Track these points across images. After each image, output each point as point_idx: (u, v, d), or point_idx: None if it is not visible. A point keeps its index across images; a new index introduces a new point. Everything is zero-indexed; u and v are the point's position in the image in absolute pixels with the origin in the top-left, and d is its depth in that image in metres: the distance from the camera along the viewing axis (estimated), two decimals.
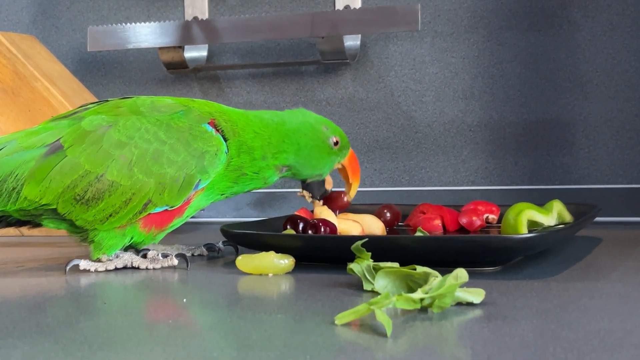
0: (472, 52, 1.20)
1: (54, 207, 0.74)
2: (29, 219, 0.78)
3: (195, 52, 1.29)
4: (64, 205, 0.74)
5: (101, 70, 1.36)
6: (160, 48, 1.26)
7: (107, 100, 0.81)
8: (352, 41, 1.22)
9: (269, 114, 0.84)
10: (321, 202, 0.88)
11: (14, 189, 0.74)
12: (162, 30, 1.24)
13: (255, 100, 1.29)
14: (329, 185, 0.88)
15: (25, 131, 0.78)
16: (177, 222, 0.79)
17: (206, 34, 1.23)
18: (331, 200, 0.89)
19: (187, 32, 1.23)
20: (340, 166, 0.86)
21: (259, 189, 0.83)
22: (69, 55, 1.36)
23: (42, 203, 0.74)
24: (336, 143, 0.84)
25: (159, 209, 0.76)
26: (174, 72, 1.29)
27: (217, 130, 0.78)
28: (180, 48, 1.25)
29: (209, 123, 0.78)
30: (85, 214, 0.74)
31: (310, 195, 0.87)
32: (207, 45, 1.29)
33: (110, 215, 0.74)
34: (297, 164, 0.83)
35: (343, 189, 0.90)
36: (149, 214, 0.76)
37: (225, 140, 0.79)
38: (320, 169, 0.85)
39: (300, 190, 0.88)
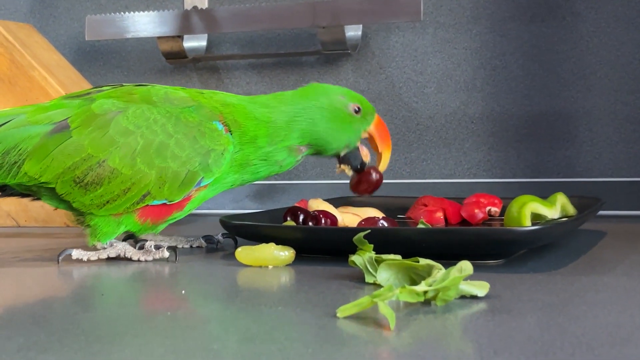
0: (475, 44, 1.19)
1: (52, 186, 0.74)
2: (29, 193, 0.77)
3: (195, 42, 1.28)
4: (62, 185, 0.74)
5: (99, 59, 1.34)
6: (159, 37, 1.24)
7: (122, 85, 0.80)
8: (353, 31, 1.21)
9: (275, 96, 0.81)
10: (355, 177, 0.84)
11: (15, 162, 0.73)
12: (161, 19, 1.23)
13: (255, 91, 1.28)
14: (366, 157, 0.84)
15: (37, 105, 0.77)
16: (176, 216, 0.78)
17: (205, 23, 1.22)
18: (361, 179, 0.84)
19: (187, 22, 1.22)
20: (367, 135, 0.83)
21: (278, 173, 0.81)
22: (67, 45, 1.35)
23: (41, 181, 0.74)
24: (357, 110, 0.81)
25: (157, 202, 0.75)
26: (173, 62, 1.28)
27: (226, 127, 0.77)
28: (180, 38, 1.24)
29: (218, 120, 0.77)
30: (83, 197, 0.74)
31: (350, 167, 0.84)
32: (206, 35, 1.28)
33: (108, 202, 0.74)
34: (318, 140, 0.80)
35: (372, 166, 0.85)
36: (147, 205, 0.75)
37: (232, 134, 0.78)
38: (346, 140, 0.81)
39: (338, 166, 0.84)
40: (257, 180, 0.82)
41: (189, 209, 0.79)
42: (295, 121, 0.79)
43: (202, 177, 0.76)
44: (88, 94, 0.78)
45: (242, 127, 0.78)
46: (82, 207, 0.75)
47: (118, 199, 0.74)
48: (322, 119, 0.80)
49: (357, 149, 0.83)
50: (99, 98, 0.77)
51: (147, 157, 0.74)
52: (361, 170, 0.84)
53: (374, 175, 0.85)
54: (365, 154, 0.84)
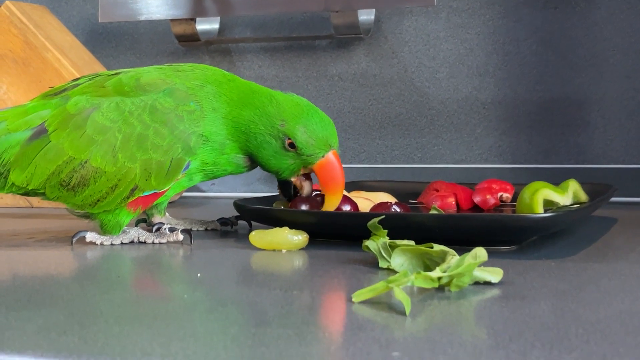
0: (488, 29, 1.19)
1: (42, 192, 0.74)
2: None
3: (207, 25, 1.28)
4: (51, 190, 0.73)
5: (112, 41, 1.35)
6: (171, 20, 1.24)
7: (98, 75, 0.78)
8: (366, 15, 1.21)
9: (246, 90, 0.76)
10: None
11: (1, 174, 0.73)
12: (173, 1, 1.23)
13: (267, 75, 1.28)
14: (304, 191, 0.77)
15: (17, 110, 0.76)
16: (162, 200, 0.78)
17: (218, 6, 1.22)
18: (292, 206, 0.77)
19: (199, 4, 1.22)
20: (309, 171, 0.77)
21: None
22: (80, 26, 1.35)
23: (30, 188, 0.73)
24: (291, 145, 0.74)
25: (147, 193, 0.74)
26: (185, 44, 1.28)
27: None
28: (192, 20, 1.24)
29: (195, 100, 0.75)
30: (74, 198, 0.74)
31: (281, 192, 0.80)
32: (219, 17, 1.28)
33: (99, 200, 0.73)
34: (254, 156, 0.76)
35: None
36: (137, 197, 0.74)
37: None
38: (275, 167, 0.76)
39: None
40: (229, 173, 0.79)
41: (169, 194, 0.77)
42: (238, 131, 0.75)
43: (189, 161, 0.74)
44: (65, 90, 0.77)
45: (205, 116, 0.75)
46: (76, 208, 0.75)
47: (108, 197, 0.73)
48: (255, 139, 0.75)
49: (290, 182, 0.77)
50: (74, 95, 0.75)
51: (128, 152, 0.72)
52: (290, 201, 0.78)
53: (301, 208, 0.76)
54: (305, 188, 0.78)
